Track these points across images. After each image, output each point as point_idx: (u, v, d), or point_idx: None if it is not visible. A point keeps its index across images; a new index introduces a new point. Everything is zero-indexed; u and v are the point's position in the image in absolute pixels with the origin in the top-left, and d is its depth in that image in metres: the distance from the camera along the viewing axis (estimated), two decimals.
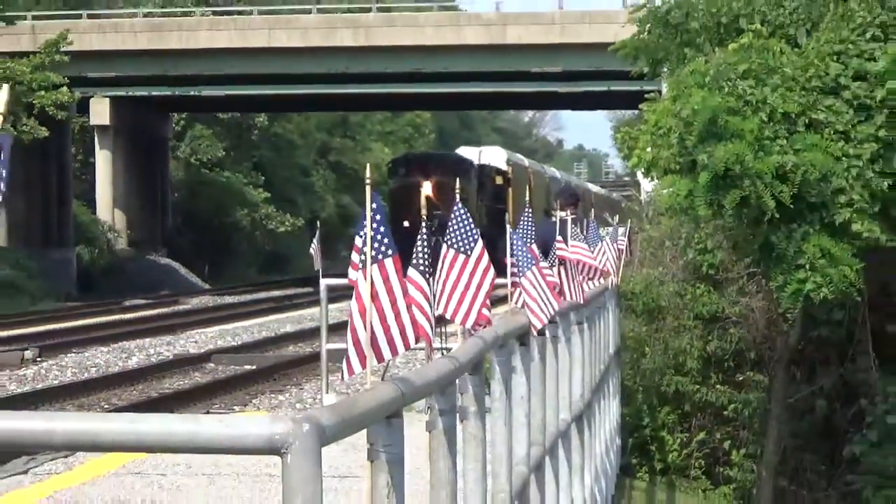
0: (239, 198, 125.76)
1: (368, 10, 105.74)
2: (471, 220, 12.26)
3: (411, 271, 10.16)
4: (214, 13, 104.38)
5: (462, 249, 11.74)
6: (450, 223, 11.94)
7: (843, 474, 33.19)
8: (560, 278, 19.47)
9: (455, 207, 12.48)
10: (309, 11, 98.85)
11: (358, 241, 9.66)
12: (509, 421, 13.27)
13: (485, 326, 12.22)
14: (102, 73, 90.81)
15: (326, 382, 29.17)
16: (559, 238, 21.67)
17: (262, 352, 51.76)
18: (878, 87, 30.82)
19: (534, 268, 16.59)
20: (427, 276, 10.55)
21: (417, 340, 9.72)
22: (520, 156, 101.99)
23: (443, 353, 10.26)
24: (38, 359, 50.28)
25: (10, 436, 7.01)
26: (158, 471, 18.89)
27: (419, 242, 10.54)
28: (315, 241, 37.18)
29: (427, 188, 60.77)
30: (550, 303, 16.46)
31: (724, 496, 32.47)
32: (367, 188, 9.42)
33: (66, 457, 20.86)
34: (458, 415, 10.26)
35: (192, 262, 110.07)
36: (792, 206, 30.42)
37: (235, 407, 36.12)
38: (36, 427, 7.42)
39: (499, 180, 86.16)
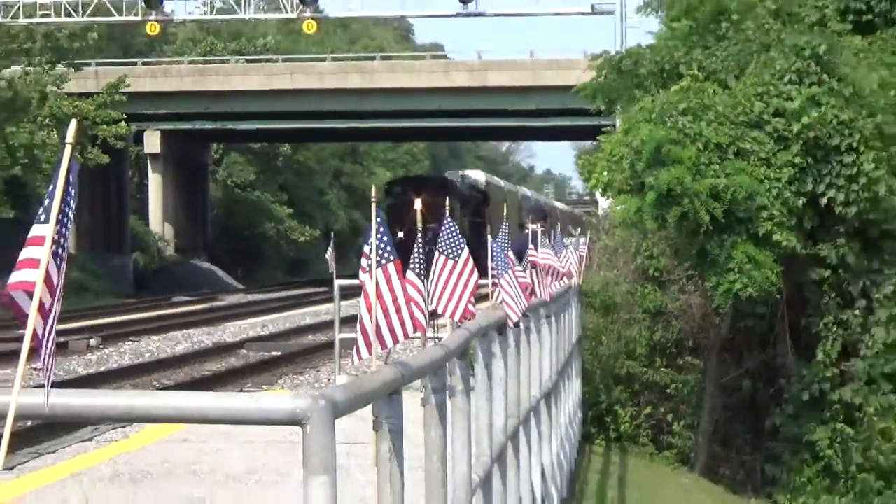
0: (267, 213, 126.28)
1: (373, 58, 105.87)
2: (458, 231, 12.31)
3: (409, 274, 10.18)
4: (247, 61, 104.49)
5: (451, 256, 11.76)
6: (441, 234, 12.00)
7: (766, 441, 33.11)
8: (532, 280, 19.48)
9: (445, 222, 12.54)
10: (324, 59, 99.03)
11: (366, 249, 9.69)
12: (490, 397, 13.30)
13: (470, 319, 12.27)
14: (154, 110, 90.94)
15: (339, 366, 29.21)
16: (531, 247, 21.70)
17: (286, 340, 51.68)
18: (794, 122, 30.86)
19: (510, 271, 16.63)
20: (422, 277, 10.58)
21: (414, 331, 9.77)
22: (497, 178, 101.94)
23: (435, 342, 10.28)
24: (101, 346, 50.25)
25: (77, 410, 7.03)
26: (201, 438, 18.88)
27: (415, 250, 10.61)
28: (330, 248, 37.11)
29: (418, 204, 61.04)
30: (523, 301, 16.58)
31: (666, 459, 32.40)
32: (373, 206, 9.58)
33: (123, 427, 20.95)
34: (447, 392, 10.27)
35: (228, 267, 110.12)
36: (723, 220, 30.48)
37: (264, 386, 36.07)
38: (99, 402, 7.45)
39: (479, 198, 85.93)
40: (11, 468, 16.83)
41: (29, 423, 21.34)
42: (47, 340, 5.28)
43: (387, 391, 8.32)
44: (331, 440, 6.77)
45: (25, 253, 5.42)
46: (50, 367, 5.26)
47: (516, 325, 16.14)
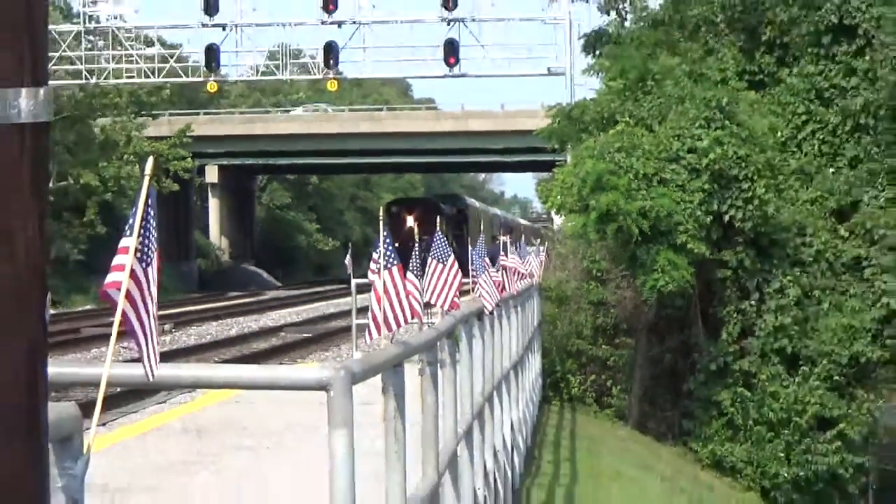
0: (299, 228, 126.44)
1: (380, 109, 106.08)
2: (447, 242, 12.37)
3: (409, 275, 10.25)
4: (284, 111, 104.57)
5: (441, 260, 11.81)
6: (433, 244, 12.07)
7: (683, 401, 33.07)
8: (503, 279, 19.52)
9: (436, 235, 12.65)
10: (343, 110, 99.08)
11: (374, 256, 9.99)
12: (471, 368, 13.29)
13: (456, 309, 12.34)
14: (213, 149, 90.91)
15: (355, 344, 29.26)
16: (502, 253, 21.77)
17: (315, 325, 51.57)
18: (703, 158, 30.84)
19: (486, 272, 16.71)
20: (418, 277, 10.67)
21: (412, 318, 9.84)
22: (475, 200, 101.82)
23: (429, 326, 10.31)
24: (173, 330, 50.21)
25: (154, 378, 7.02)
26: (249, 401, 18.87)
27: (413, 257, 10.76)
28: (348, 256, 37.25)
29: (410, 221, 60.37)
30: (496, 294, 16.71)
31: (607, 416, 32.34)
32: (381, 224, 9.70)
33: (190, 392, 20.92)
34: (438, 364, 10.28)
35: (270, 269, 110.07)
36: (649, 233, 30.49)
37: (298, 360, 36.00)
38: (170, 373, 7.44)
39: (461, 216, 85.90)
40: (104, 424, 16.78)
41: (118, 389, 21.35)
42: (148, 326, 5.33)
43: (392, 364, 8.36)
44: (349, 402, 6.80)
45: (115, 260, 5.47)
46: (152, 345, 5.30)
47: (491, 313, 16.26)
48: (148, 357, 5.34)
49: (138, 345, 5.31)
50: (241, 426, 17.34)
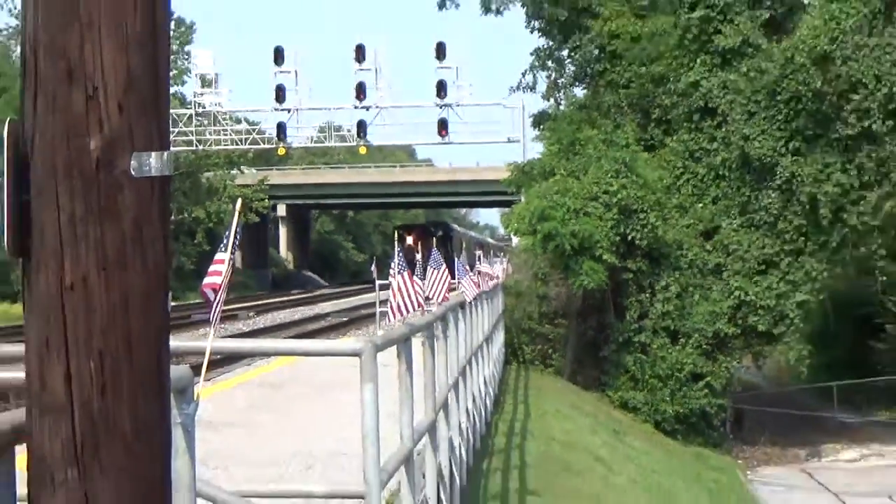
0: (339, 246, 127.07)
1: (394, 166, 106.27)
2: (440, 257, 12.40)
3: (415, 278, 10.30)
4: (328, 165, 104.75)
5: (435, 267, 11.83)
6: (430, 257, 12.10)
7: (600, 363, 32.99)
8: (478, 280, 19.52)
9: (433, 250, 12.72)
10: (369, 167, 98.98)
11: (392, 265, 10.03)
12: (457, 342, 13.31)
13: (446, 301, 12.40)
14: (282, 193, 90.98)
15: (378, 325, 29.32)
16: (478, 262, 21.79)
17: (350, 312, 51.60)
18: (613, 197, 30.77)
19: (467, 276, 16.70)
20: (420, 279, 10.71)
21: (417, 307, 9.87)
22: (457, 226, 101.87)
23: (428, 312, 10.35)
24: (253, 316, 50.08)
25: (242, 349, 6.98)
26: (307, 365, 18.80)
27: (416, 266, 10.84)
28: (373, 265, 37.25)
29: (409, 240, 60.34)
30: (474, 290, 16.72)
31: (549, 373, 32.26)
32: (396, 243, 9.81)
33: (265, 359, 20.70)
34: (435, 339, 10.30)
35: (320, 274, 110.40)
36: (577, 248, 30.40)
37: (340, 335, 36.01)
38: (251, 346, 7.41)
39: (448, 237, 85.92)
40: (208, 380, 16.80)
41: (217, 356, 21.39)
42: (218, 312, 5.44)
43: (404, 339, 8.37)
44: (374, 365, 6.81)
45: (211, 268, 5.50)
46: (215, 322, 5.43)
47: (470, 303, 16.28)
48: (214, 328, 5.50)
49: (211, 322, 5.43)
50: (300, 381, 17.36)
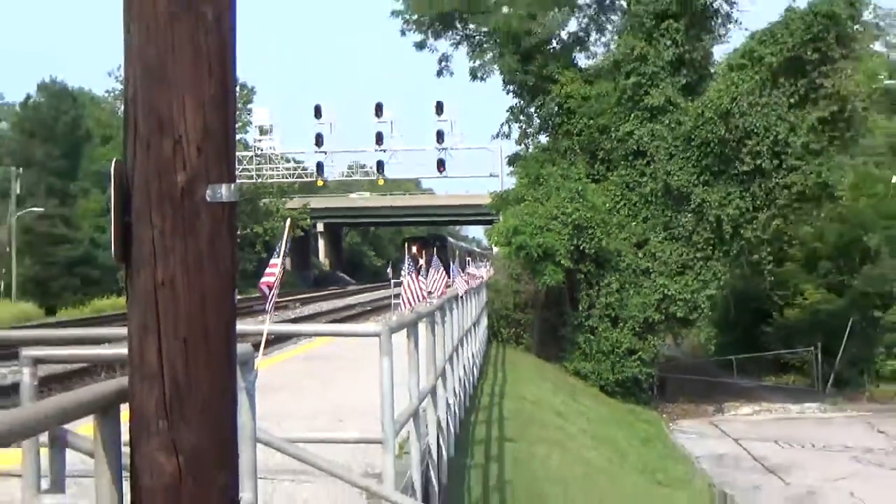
0: (364, 254, 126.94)
1: (404, 194, 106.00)
2: (439, 262, 12.33)
3: (420, 277, 10.23)
4: (355, 193, 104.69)
5: (436, 269, 11.76)
6: (432, 262, 12.03)
7: (559, 342, 32.96)
8: (468, 279, 19.46)
9: (433, 258, 12.68)
10: (385, 194, 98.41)
11: (403, 268, 9.98)
12: (452, 325, 13.25)
13: (444, 295, 12.36)
14: (320, 215, 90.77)
15: (393, 313, 29.22)
16: (468, 267, 21.75)
17: (372, 303, 51.55)
18: (569, 217, 30.76)
19: (459, 275, 16.64)
20: (424, 279, 10.65)
21: (423, 300, 9.81)
22: (451, 238, 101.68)
23: (430, 303, 10.28)
24: (299, 306, 49.94)
25: (291, 331, 6.98)
26: (341, 344, 18.71)
27: (421, 269, 10.78)
28: (389, 268, 37.18)
29: (414, 249, 60.17)
30: (464, 286, 16.63)
31: (521, 350, 32.24)
32: (405, 251, 9.79)
33: (309, 338, 20.22)
34: (435, 323, 10.24)
35: (350, 274, 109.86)
36: (542, 255, 30.38)
37: (364, 321, 35.97)
38: (296, 328, 7.39)
39: (444, 246, 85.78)
40: (265, 355, 16.73)
41: (271, 336, 21.28)
42: (272, 303, 5.46)
43: (413, 323, 8.35)
44: (390, 343, 6.80)
45: (267, 270, 5.51)
46: (270, 311, 5.44)
47: (461, 296, 16.20)
48: (269, 315, 5.52)
49: (267, 311, 5.45)
50: (336, 356, 17.29)
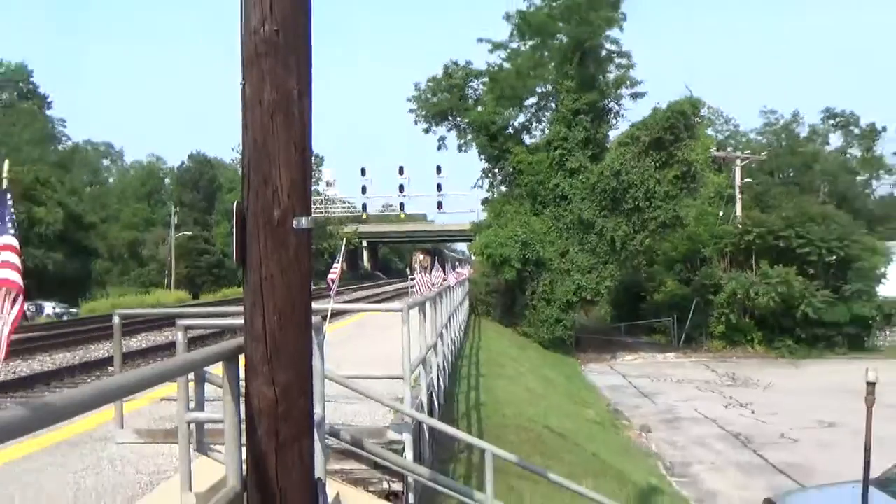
0: (392, 261, 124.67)
1: (406, 220, 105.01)
2: (439, 265, 12.25)
3: (426, 275, 10.12)
4: (387, 222, 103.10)
5: (437, 270, 11.66)
6: (434, 266, 11.93)
7: (514, 315, 32.76)
8: (457, 276, 19.33)
9: (435, 263, 12.57)
10: (406, 223, 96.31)
11: (414, 269, 9.81)
12: (446, 304, 13.14)
13: (442, 285, 12.23)
14: (366, 236, 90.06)
15: (410, 297, 28.97)
16: (457, 268, 21.60)
17: (398, 292, 51.08)
18: (519, 239, 30.55)
19: (452, 273, 16.51)
20: (430, 276, 10.53)
21: (428, 289, 9.72)
22: (446, 250, 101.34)
23: (433, 291, 10.15)
24: (351, 292, 49.28)
25: (345, 309, 6.86)
26: (375, 317, 18.28)
27: (427, 269, 10.59)
28: (408, 269, 36.92)
29: (423, 257, 59.36)
30: (454, 281, 16.47)
31: (490, 320, 32.07)
32: (419, 258, 9.61)
33: (353, 314, 19.54)
34: (437, 303, 10.16)
35: (384, 274, 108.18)
36: (502, 261, 30.23)
37: (392, 301, 35.70)
38: (350, 307, 7.25)
39: (440, 256, 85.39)
40: (330, 323, 16.60)
41: (334, 312, 20.97)
42: (334, 291, 5.34)
43: (422, 303, 8.26)
44: (408, 316, 6.73)
45: (331, 270, 5.44)
46: (333, 296, 5.27)
47: (453, 287, 16.08)
48: (332, 298, 5.39)
49: (331, 295, 5.33)
50: (372, 324, 17.11)
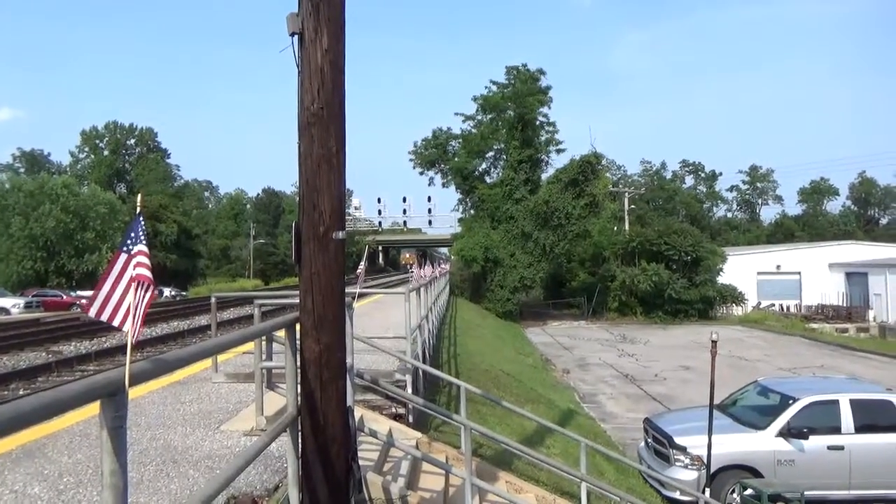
0: (398, 259, 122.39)
1: (408, 231, 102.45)
2: (428, 262, 12.07)
3: (420, 270, 9.89)
4: (391, 229, 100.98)
5: (428, 265, 11.44)
6: (425, 262, 11.73)
7: (480, 296, 32.08)
8: (441, 270, 19.01)
9: (426, 262, 12.39)
10: (402, 230, 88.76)
11: (413, 265, 9.49)
12: (435, 289, 12.87)
13: (432, 276, 12.01)
14: (381, 243, 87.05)
15: (410, 285, 28.51)
16: (441, 264, 21.21)
17: (401, 280, 50.18)
18: (483, 245, 30.05)
19: (438, 267, 16.27)
20: (424, 270, 10.30)
21: (423, 279, 9.49)
22: (433, 253, 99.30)
23: (426, 280, 9.94)
24: (370, 281, 48.13)
25: (365, 292, 6.64)
26: (384, 299, 18.03)
27: (420, 266, 10.33)
28: (408, 267, 36.16)
29: (406, 255, 58.35)
30: (439, 272, 16.15)
31: (464, 299, 31.54)
32: (416, 258, 9.42)
33: (371, 297, 19.43)
34: (428, 288, 10.00)
35: (394, 268, 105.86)
36: (471, 260, 29.83)
37: (397, 287, 35.08)
38: (369, 291, 7.07)
39: (428, 255, 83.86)
40: (357, 301, 16.24)
41: (359, 295, 20.47)
42: (360, 281, 5.23)
43: (418, 288, 8.10)
44: (409, 297, 6.64)
45: (358, 267, 5.32)
46: (359, 284, 5.15)
47: (437, 276, 15.76)
48: (359, 285, 5.27)
49: (357, 283, 5.19)
50: (385, 303, 16.82)
